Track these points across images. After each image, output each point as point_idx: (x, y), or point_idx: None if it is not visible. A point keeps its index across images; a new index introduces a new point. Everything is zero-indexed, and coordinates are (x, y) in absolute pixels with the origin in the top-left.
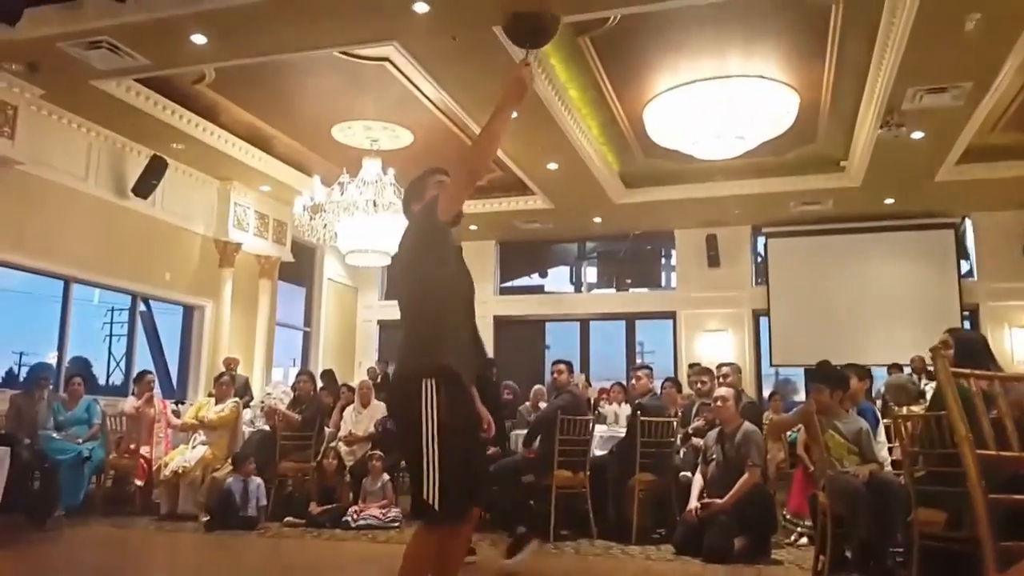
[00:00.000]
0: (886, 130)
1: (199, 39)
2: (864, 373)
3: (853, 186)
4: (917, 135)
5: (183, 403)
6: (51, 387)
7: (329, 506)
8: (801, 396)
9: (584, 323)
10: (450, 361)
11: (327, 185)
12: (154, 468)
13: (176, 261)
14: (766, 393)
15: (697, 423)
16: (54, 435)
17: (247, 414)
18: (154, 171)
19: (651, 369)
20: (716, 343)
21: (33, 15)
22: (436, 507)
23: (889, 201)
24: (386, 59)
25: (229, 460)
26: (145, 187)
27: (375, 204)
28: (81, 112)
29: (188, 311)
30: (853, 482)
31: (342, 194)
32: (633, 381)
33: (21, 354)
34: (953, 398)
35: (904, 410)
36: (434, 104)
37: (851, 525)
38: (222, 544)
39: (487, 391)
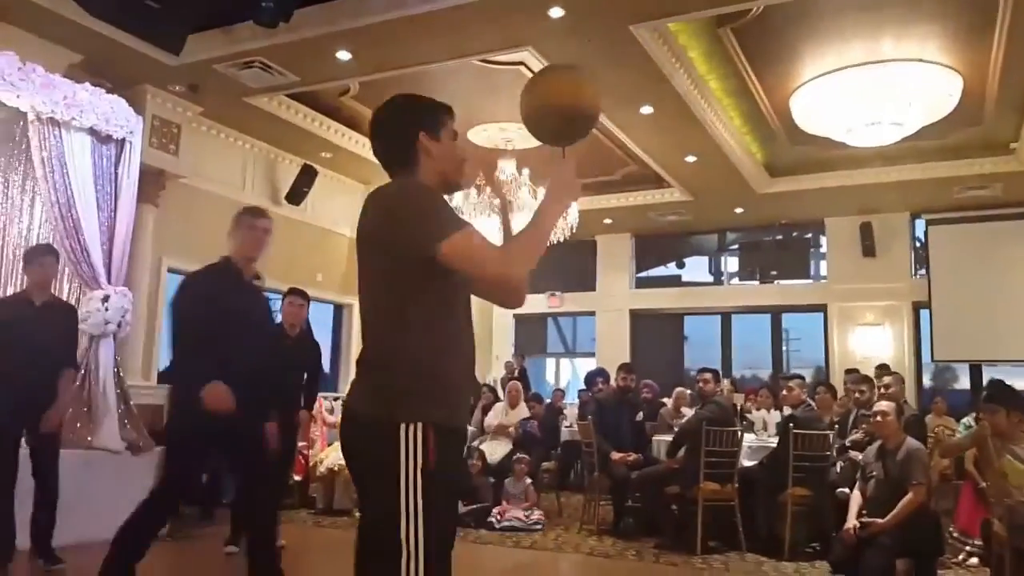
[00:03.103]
0: None
1: (344, 56)
2: None
3: None
4: None
5: (338, 399)
6: None
7: (474, 505)
8: (961, 385)
9: (726, 316)
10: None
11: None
12: (311, 464)
13: (327, 262)
14: (926, 383)
15: (855, 435)
16: None
17: None
18: (305, 179)
19: (803, 379)
20: (872, 337)
21: (193, 41)
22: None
23: None
24: (521, 63)
25: None
26: (297, 194)
27: (510, 203)
28: (237, 126)
29: (338, 309)
30: None
31: (479, 195)
32: (784, 392)
33: None
34: None
35: None
36: None
37: None
38: None
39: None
